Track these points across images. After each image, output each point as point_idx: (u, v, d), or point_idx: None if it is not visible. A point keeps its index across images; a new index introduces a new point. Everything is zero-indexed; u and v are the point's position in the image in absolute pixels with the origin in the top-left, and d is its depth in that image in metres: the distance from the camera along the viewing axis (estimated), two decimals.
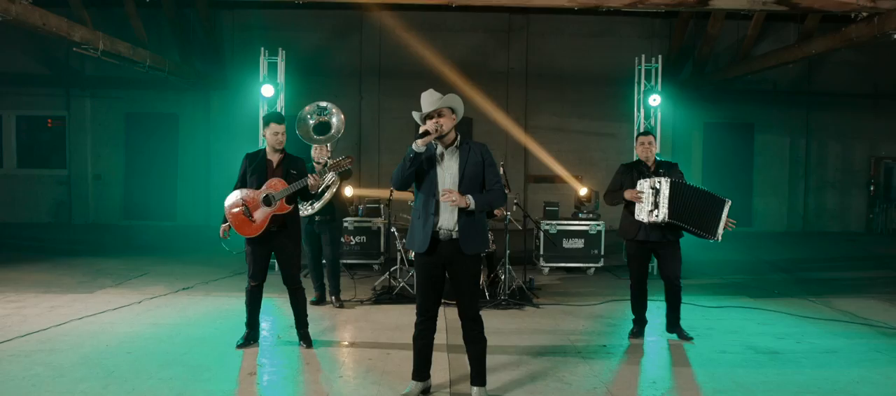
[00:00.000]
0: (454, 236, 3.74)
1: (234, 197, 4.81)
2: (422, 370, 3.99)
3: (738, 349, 5.16)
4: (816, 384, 4.33)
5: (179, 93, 13.54)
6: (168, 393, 3.97)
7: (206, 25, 13.02)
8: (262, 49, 8.47)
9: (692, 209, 5.02)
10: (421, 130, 3.70)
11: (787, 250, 11.47)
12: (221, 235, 4.89)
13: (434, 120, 3.69)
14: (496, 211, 6.60)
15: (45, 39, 11.03)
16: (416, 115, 3.81)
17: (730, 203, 5.08)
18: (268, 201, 4.73)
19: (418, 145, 3.66)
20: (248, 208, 4.75)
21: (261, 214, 4.74)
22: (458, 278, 3.82)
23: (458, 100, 3.79)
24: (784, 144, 14.46)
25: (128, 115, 13.99)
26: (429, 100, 3.73)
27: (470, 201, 3.70)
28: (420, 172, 3.77)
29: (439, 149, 3.79)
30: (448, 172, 3.77)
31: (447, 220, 3.74)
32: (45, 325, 5.48)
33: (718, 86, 13.28)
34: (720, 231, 5.05)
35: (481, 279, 6.50)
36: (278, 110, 8.25)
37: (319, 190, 5.36)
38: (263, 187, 4.75)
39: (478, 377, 3.90)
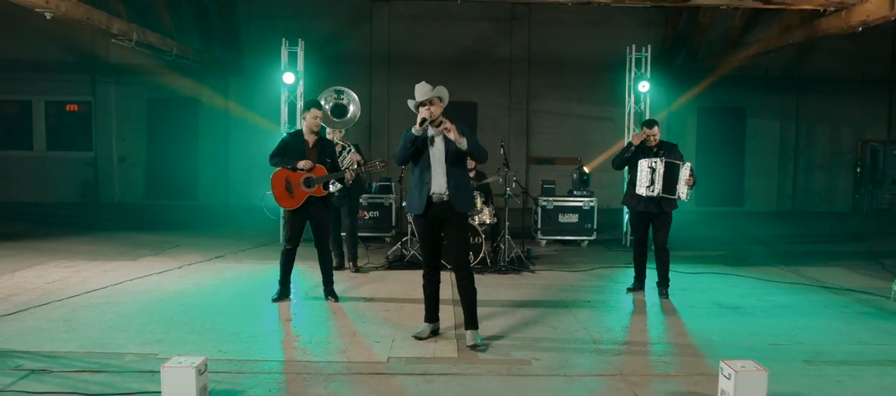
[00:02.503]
0: (445, 198, 4.53)
1: (282, 172, 5.56)
2: (431, 313, 4.81)
3: (705, 304, 5.95)
4: (765, 330, 5.12)
5: (199, 79, 14.23)
6: (221, 332, 4.79)
7: (224, 13, 13.72)
8: (284, 39, 9.19)
9: (675, 182, 5.89)
10: (419, 118, 4.46)
11: (773, 228, 12.16)
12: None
13: (426, 107, 4.44)
14: (490, 183, 7.85)
15: (71, 28, 11.73)
16: (410, 103, 4.58)
17: (688, 164, 5.90)
18: (308, 183, 5.54)
19: (417, 129, 4.45)
20: (290, 184, 5.54)
21: (299, 193, 5.54)
22: (449, 234, 4.61)
23: (445, 91, 4.57)
24: (775, 128, 15.12)
25: (150, 100, 14.76)
26: (422, 91, 4.49)
27: (462, 140, 4.41)
28: (415, 150, 4.56)
29: (430, 130, 4.56)
30: (437, 148, 4.55)
31: (438, 186, 4.53)
32: (104, 284, 6.32)
33: (711, 72, 13.92)
34: (680, 189, 5.87)
35: (484, 249, 7.29)
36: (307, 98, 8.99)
37: (349, 183, 6.26)
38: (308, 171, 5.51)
39: (470, 321, 4.65)
